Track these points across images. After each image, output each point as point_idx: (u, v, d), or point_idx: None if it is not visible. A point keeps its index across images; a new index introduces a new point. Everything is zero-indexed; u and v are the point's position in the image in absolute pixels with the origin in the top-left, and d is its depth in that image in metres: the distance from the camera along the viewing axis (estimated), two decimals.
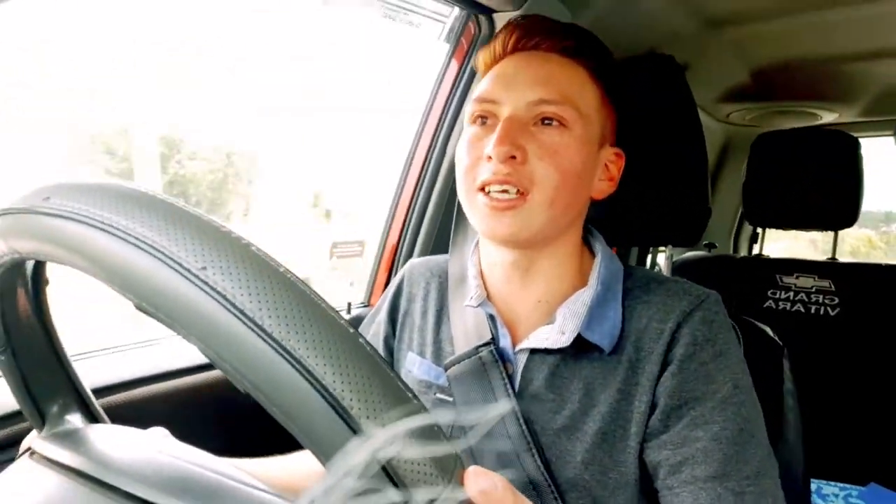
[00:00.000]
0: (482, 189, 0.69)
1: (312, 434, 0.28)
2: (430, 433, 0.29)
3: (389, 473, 0.27)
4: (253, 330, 0.28)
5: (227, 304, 0.28)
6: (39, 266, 0.43)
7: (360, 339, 0.30)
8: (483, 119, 0.73)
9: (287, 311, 0.28)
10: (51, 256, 0.34)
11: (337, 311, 0.30)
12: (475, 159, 0.71)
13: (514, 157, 0.68)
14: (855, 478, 1.34)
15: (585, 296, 0.72)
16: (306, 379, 0.27)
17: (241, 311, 0.28)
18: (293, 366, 0.27)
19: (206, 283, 0.28)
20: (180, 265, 0.28)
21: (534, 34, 0.73)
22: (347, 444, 0.27)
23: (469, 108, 0.75)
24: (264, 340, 0.27)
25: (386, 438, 0.27)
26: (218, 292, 0.28)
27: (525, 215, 0.68)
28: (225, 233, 0.30)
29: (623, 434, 0.67)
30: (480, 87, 0.74)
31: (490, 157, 0.68)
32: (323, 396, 0.27)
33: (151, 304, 0.29)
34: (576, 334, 0.69)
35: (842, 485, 1.32)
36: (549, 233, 0.71)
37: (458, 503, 0.29)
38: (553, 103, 0.69)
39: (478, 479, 0.31)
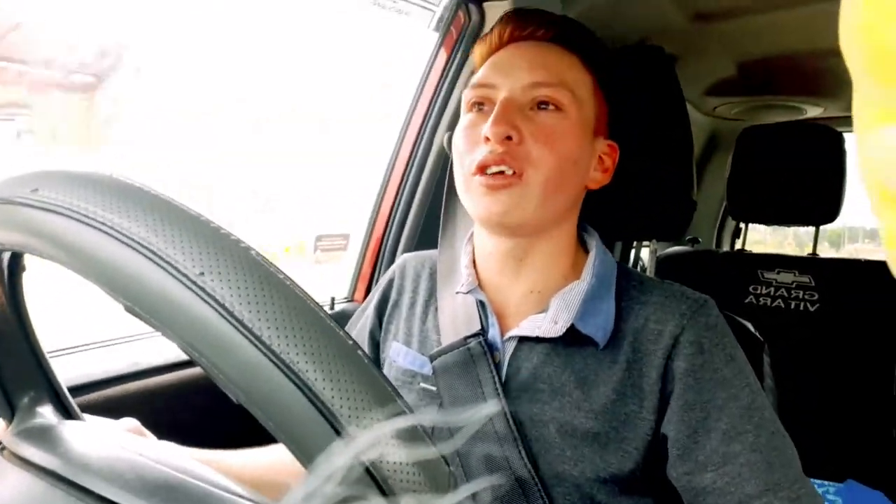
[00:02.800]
0: (478, 171, 0.69)
1: (303, 445, 0.28)
2: (417, 436, 0.28)
3: (374, 477, 0.27)
4: (251, 340, 0.27)
5: (226, 313, 0.27)
6: (16, 255, 0.42)
7: (359, 352, 0.29)
8: (479, 105, 0.73)
9: (286, 322, 0.27)
10: (37, 251, 0.32)
11: (335, 321, 0.30)
12: (472, 143, 0.71)
13: (510, 138, 0.68)
14: (832, 474, 1.35)
15: (579, 288, 0.72)
16: (302, 391, 0.27)
17: (240, 322, 0.27)
18: (291, 379, 0.27)
19: (203, 290, 0.27)
20: (177, 269, 0.27)
21: (528, 24, 0.74)
22: (331, 451, 0.26)
23: (466, 96, 0.75)
24: (262, 352, 0.27)
25: (370, 441, 0.26)
26: (216, 300, 0.27)
27: (519, 195, 0.68)
28: (223, 235, 0.29)
29: (616, 436, 0.67)
30: (477, 76, 0.75)
31: (487, 139, 0.68)
32: (319, 410, 0.27)
33: (143, 307, 0.28)
34: (569, 324, 0.69)
35: (819, 481, 1.33)
36: (543, 217, 0.71)
37: None
38: (549, 86, 0.70)
39: None
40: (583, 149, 0.73)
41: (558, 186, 0.70)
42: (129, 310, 0.29)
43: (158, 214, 0.29)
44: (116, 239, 0.28)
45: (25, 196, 0.31)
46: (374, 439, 0.26)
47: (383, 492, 0.26)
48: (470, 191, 0.71)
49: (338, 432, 0.27)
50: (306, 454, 0.27)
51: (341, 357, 0.28)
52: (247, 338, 0.27)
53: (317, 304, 0.29)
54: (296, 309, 0.28)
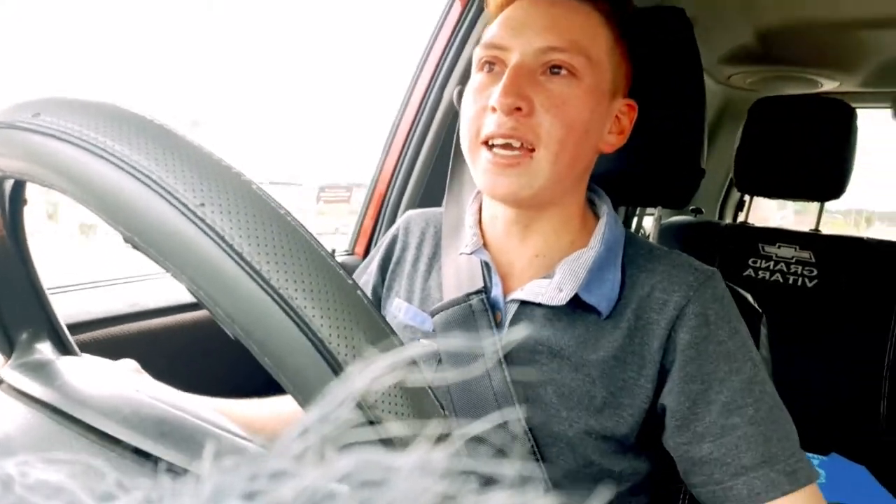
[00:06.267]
0: (486, 143, 0.67)
1: (299, 382, 0.27)
2: (405, 366, 0.28)
3: (360, 406, 0.27)
4: (249, 274, 0.26)
5: (225, 245, 0.26)
6: (18, 185, 0.41)
7: (358, 291, 0.29)
8: (490, 65, 0.70)
9: (286, 257, 0.27)
10: (37, 178, 0.32)
11: (335, 259, 0.29)
12: (480, 109, 0.68)
13: (519, 109, 0.65)
14: (818, 447, 1.37)
15: (587, 256, 0.71)
16: (300, 327, 0.26)
17: (239, 255, 0.26)
18: (288, 314, 0.26)
19: (203, 221, 0.26)
20: (177, 199, 0.27)
21: None
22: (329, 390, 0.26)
23: (476, 54, 0.72)
24: (260, 286, 0.26)
25: (367, 379, 0.26)
26: (216, 232, 0.26)
27: (529, 174, 0.66)
28: (225, 168, 0.28)
29: (613, 401, 0.67)
30: (488, 32, 0.71)
31: (494, 109, 0.65)
32: (316, 347, 0.27)
33: (142, 238, 0.28)
34: (573, 294, 0.68)
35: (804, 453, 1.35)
36: (553, 190, 0.69)
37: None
38: (562, 50, 0.66)
39: None
40: (596, 114, 0.70)
41: (570, 159, 0.68)
42: (127, 240, 0.29)
43: (160, 143, 0.28)
44: (117, 166, 0.28)
45: (27, 121, 0.31)
46: (367, 374, 0.26)
47: (370, 420, 0.26)
48: (476, 163, 0.69)
49: (335, 370, 0.26)
50: (303, 392, 0.27)
51: (340, 294, 0.27)
52: (246, 271, 0.26)
53: (317, 241, 0.29)
54: (296, 245, 0.27)
